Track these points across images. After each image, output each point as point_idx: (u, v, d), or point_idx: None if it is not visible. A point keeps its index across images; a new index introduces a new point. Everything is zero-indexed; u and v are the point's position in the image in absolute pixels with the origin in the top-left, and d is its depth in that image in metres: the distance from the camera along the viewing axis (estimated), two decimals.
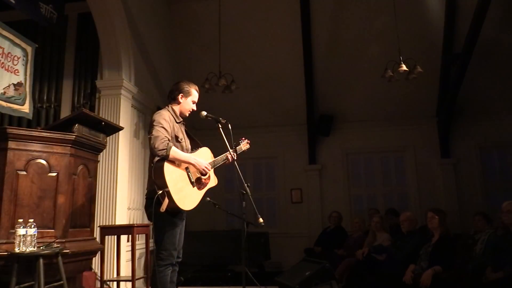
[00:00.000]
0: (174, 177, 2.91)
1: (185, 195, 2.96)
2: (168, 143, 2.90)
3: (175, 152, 2.92)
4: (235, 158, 3.26)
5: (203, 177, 3.13)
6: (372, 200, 8.20)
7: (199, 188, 3.10)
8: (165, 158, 2.89)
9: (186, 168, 3.03)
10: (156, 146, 2.87)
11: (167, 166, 2.89)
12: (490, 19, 6.31)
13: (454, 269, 4.23)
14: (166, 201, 2.82)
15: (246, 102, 8.05)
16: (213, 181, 3.25)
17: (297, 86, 7.76)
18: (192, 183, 3.04)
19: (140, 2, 6.32)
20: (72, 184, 3.50)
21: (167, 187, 2.83)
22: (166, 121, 3.05)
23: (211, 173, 3.22)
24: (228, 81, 6.61)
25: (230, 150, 3.24)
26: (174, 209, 2.91)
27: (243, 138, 3.60)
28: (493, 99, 7.65)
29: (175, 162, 2.95)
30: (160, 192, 2.83)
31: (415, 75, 6.26)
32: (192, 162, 3.02)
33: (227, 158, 3.28)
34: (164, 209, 2.83)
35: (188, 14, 7.48)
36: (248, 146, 3.61)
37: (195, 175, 3.08)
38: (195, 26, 7.51)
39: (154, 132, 2.93)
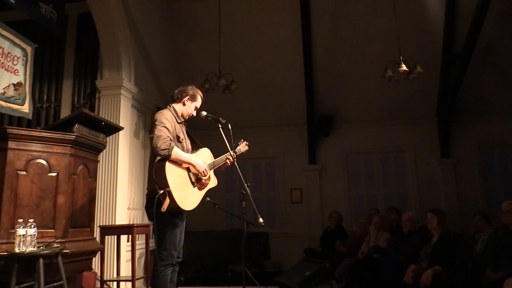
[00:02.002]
0: (175, 177, 2.91)
1: (186, 195, 2.97)
2: (170, 143, 2.91)
3: (176, 152, 2.93)
4: (235, 159, 3.27)
5: (203, 177, 3.14)
6: (372, 200, 8.20)
7: (200, 189, 3.11)
8: (167, 158, 2.89)
9: (187, 168, 3.04)
10: (158, 145, 2.87)
11: (169, 166, 2.89)
12: (490, 19, 6.31)
13: (454, 269, 4.23)
14: (167, 201, 2.83)
15: (246, 102, 8.05)
16: (213, 182, 3.26)
17: (297, 86, 7.76)
18: (193, 183, 3.05)
19: (140, 2, 6.31)
20: (72, 184, 3.50)
21: (168, 187, 2.83)
22: (168, 120, 3.06)
23: (211, 174, 3.23)
24: (228, 81, 6.61)
25: (231, 151, 3.24)
26: (175, 209, 2.91)
27: (242, 140, 3.61)
28: (493, 99, 7.66)
29: (176, 162, 2.95)
30: (161, 192, 2.83)
31: (415, 75, 6.26)
32: (193, 163, 3.03)
33: (227, 159, 3.28)
34: (165, 209, 2.83)
35: (188, 14, 7.48)
36: (247, 148, 3.62)
37: (195, 175, 3.09)
38: (195, 26, 7.51)
39: (156, 132, 2.93)
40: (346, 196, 8.19)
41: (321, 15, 7.23)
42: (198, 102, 3.34)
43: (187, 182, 3.02)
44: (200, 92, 3.36)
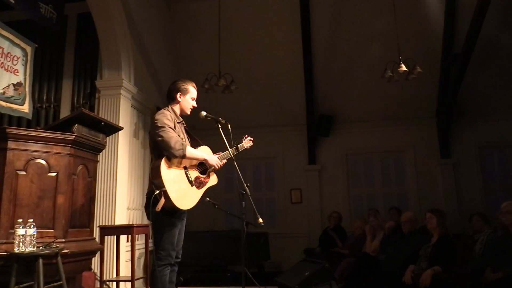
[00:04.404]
0: (171, 176, 2.92)
1: (183, 194, 2.97)
2: (183, 143, 2.97)
3: (190, 151, 3.00)
4: (234, 157, 3.27)
5: (201, 176, 3.14)
6: (371, 200, 8.20)
7: (198, 187, 3.11)
8: (183, 157, 2.95)
9: (184, 167, 3.04)
10: (173, 146, 2.91)
11: (164, 166, 2.91)
12: (489, 19, 6.30)
13: (453, 270, 4.24)
14: (163, 200, 2.84)
15: (246, 102, 8.05)
16: (213, 180, 3.25)
17: (297, 86, 7.76)
18: (190, 182, 3.04)
19: (140, 2, 6.31)
20: (71, 184, 3.50)
21: (164, 186, 2.84)
22: (170, 121, 3.08)
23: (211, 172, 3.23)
24: (227, 81, 6.60)
25: (230, 150, 3.24)
26: (172, 208, 2.91)
27: (246, 136, 3.58)
28: (493, 99, 7.66)
29: (172, 161, 2.96)
30: (158, 191, 2.84)
31: (415, 75, 6.26)
32: (206, 158, 3.10)
33: (229, 157, 3.27)
34: (160, 208, 2.84)
35: (188, 14, 7.48)
36: (251, 143, 3.57)
37: (193, 174, 3.09)
38: (195, 26, 7.51)
39: (164, 134, 2.95)
40: (345, 196, 8.18)
41: (321, 15, 7.23)
42: (193, 93, 3.30)
43: (184, 181, 3.02)
44: (190, 82, 3.31)
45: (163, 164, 2.90)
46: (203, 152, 3.16)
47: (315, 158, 8.33)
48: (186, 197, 2.98)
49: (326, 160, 8.34)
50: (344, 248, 6.34)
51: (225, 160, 3.27)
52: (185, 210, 3.11)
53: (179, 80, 3.31)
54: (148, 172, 3.13)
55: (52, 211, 3.33)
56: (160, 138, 2.95)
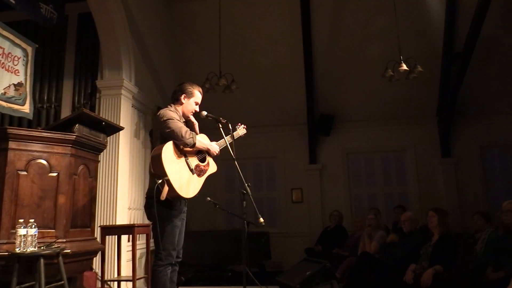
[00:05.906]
0: (172, 165, 2.93)
1: (186, 183, 2.98)
2: (191, 133, 3.02)
3: (199, 139, 3.07)
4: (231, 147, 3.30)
5: (201, 164, 3.15)
6: (372, 200, 8.19)
7: (199, 175, 3.12)
8: (193, 146, 3.00)
9: (184, 155, 3.06)
10: (183, 135, 2.96)
11: (165, 155, 2.91)
12: (490, 19, 6.30)
13: (454, 269, 4.24)
14: (166, 189, 2.84)
15: (247, 102, 8.05)
16: (213, 168, 3.27)
17: (297, 85, 7.76)
18: (191, 170, 3.06)
19: (140, 2, 6.32)
20: (72, 184, 3.50)
21: (166, 175, 2.84)
22: (176, 114, 3.12)
23: (210, 159, 3.25)
24: (228, 81, 6.60)
25: (225, 138, 3.27)
26: (175, 197, 2.92)
27: (240, 124, 3.63)
28: (494, 98, 7.65)
29: (172, 150, 2.97)
30: (160, 181, 2.84)
31: (416, 74, 6.26)
32: (209, 148, 3.17)
33: (224, 145, 3.31)
34: (165, 197, 2.84)
35: (188, 14, 7.48)
36: (245, 131, 3.63)
37: (193, 162, 3.10)
38: (196, 26, 7.51)
39: (173, 125, 2.99)
40: (346, 195, 8.18)
41: (321, 15, 7.23)
42: (197, 97, 3.32)
43: (186, 169, 3.03)
44: (197, 87, 3.34)
45: (164, 153, 2.91)
46: (206, 141, 3.22)
47: (316, 157, 8.33)
48: (188, 185, 3.00)
49: (327, 159, 8.34)
50: (344, 249, 6.32)
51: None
52: (185, 209, 3.14)
53: (187, 83, 3.34)
54: (150, 170, 3.12)
55: (53, 211, 3.33)
56: (168, 130, 2.99)
